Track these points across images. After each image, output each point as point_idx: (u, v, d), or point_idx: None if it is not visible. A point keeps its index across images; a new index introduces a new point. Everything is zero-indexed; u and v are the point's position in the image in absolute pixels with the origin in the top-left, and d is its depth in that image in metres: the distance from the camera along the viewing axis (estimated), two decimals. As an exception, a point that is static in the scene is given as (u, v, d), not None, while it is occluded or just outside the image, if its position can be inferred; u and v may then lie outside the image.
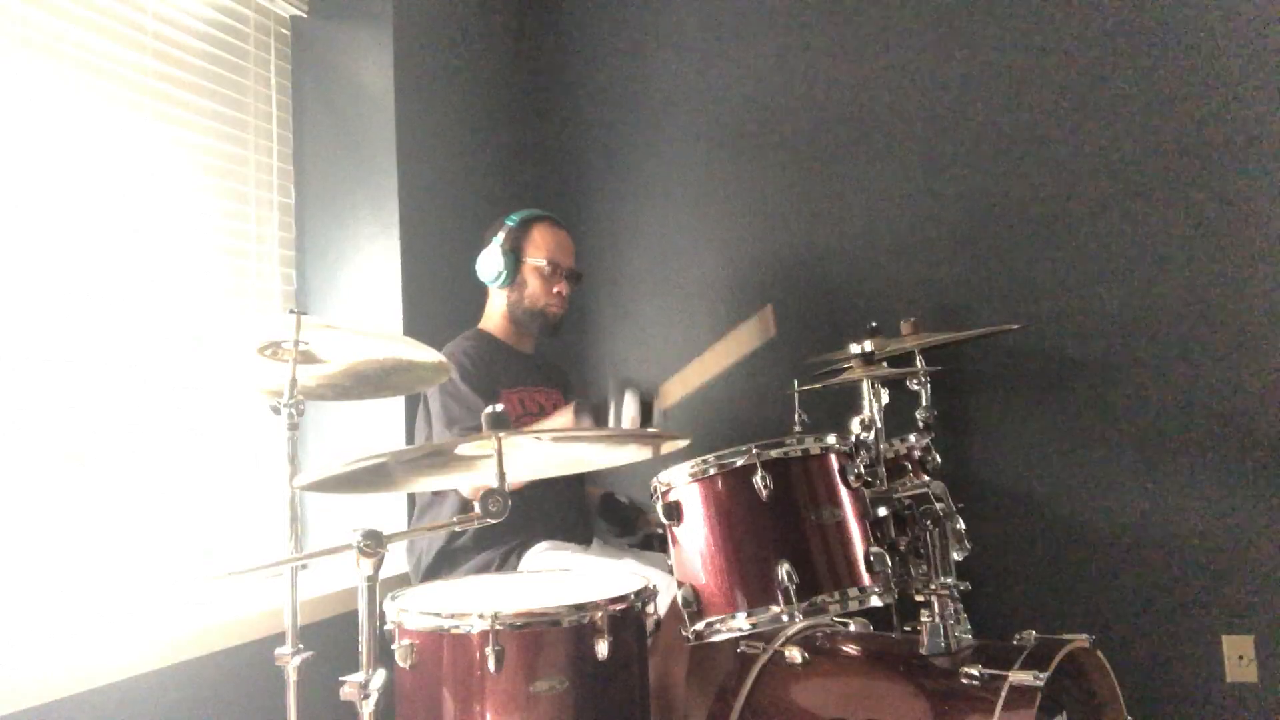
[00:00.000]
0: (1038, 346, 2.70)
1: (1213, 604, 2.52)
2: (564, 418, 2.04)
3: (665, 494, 1.76)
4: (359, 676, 1.27)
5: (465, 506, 2.19)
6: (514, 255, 2.33)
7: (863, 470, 1.77)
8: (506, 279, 2.34)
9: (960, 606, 1.76)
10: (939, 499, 1.77)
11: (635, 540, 2.41)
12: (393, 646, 1.48)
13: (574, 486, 2.40)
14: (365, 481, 1.47)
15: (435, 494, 2.23)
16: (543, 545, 2.17)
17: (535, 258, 2.34)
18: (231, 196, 2.38)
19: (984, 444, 2.76)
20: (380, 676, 1.28)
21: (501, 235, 2.35)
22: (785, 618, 1.63)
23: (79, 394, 1.91)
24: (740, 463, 1.69)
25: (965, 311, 2.77)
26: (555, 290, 2.35)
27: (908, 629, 1.90)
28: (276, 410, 1.57)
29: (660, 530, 1.83)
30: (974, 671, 1.59)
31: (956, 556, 1.78)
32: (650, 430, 2.34)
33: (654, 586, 1.63)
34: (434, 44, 2.80)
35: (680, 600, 1.72)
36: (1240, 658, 2.48)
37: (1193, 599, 2.54)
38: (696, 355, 3.03)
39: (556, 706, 1.44)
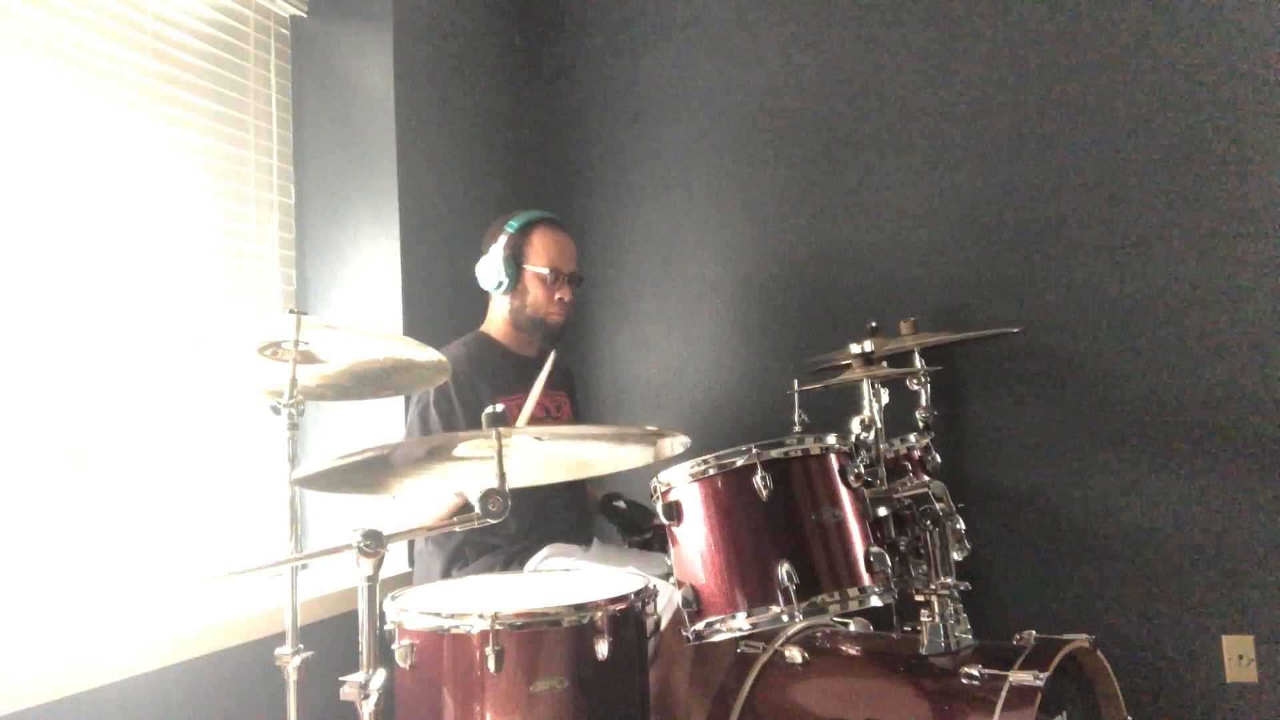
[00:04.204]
0: (1038, 347, 2.70)
1: (1213, 604, 2.52)
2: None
3: (665, 494, 1.76)
4: (359, 676, 1.27)
5: (459, 555, 2.20)
6: (515, 262, 2.31)
7: (863, 470, 1.77)
8: (508, 286, 2.31)
9: (960, 606, 1.76)
10: (939, 499, 1.78)
11: (640, 540, 2.40)
12: (393, 646, 1.48)
13: (574, 486, 2.40)
14: (363, 480, 1.47)
15: (430, 541, 2.24)
16: (545, 551, 2.17)
17: (536, 265, 2.31)
18: (231, 196, 2.38)
19: (984, 444, 2.76)
20: (380, 676, 1.28)
21: (502, 241, 2.31)
22: (785, 618, 1.63)
23: (79, 394, 1.90)
24: (740, 463, 1.69)
25: (965, 311, 2.76)
26: (557, 297, 2.32)
27: (908, 629, 1.90)
28: (276, 410, 1.57)
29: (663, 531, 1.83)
30: (974, 671, 1.60)
31: (956, 556, 1.78)
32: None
33: (654, 586, 1.63)
34: (434, 44, 2.80)
35: (680, 600, 1.72)
36: (1240, 658, 2.48)
37: (1193, 599, 2.54)
38: (697, 355, 3.06)
39: (556, 706, 1.44)
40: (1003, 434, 2.74)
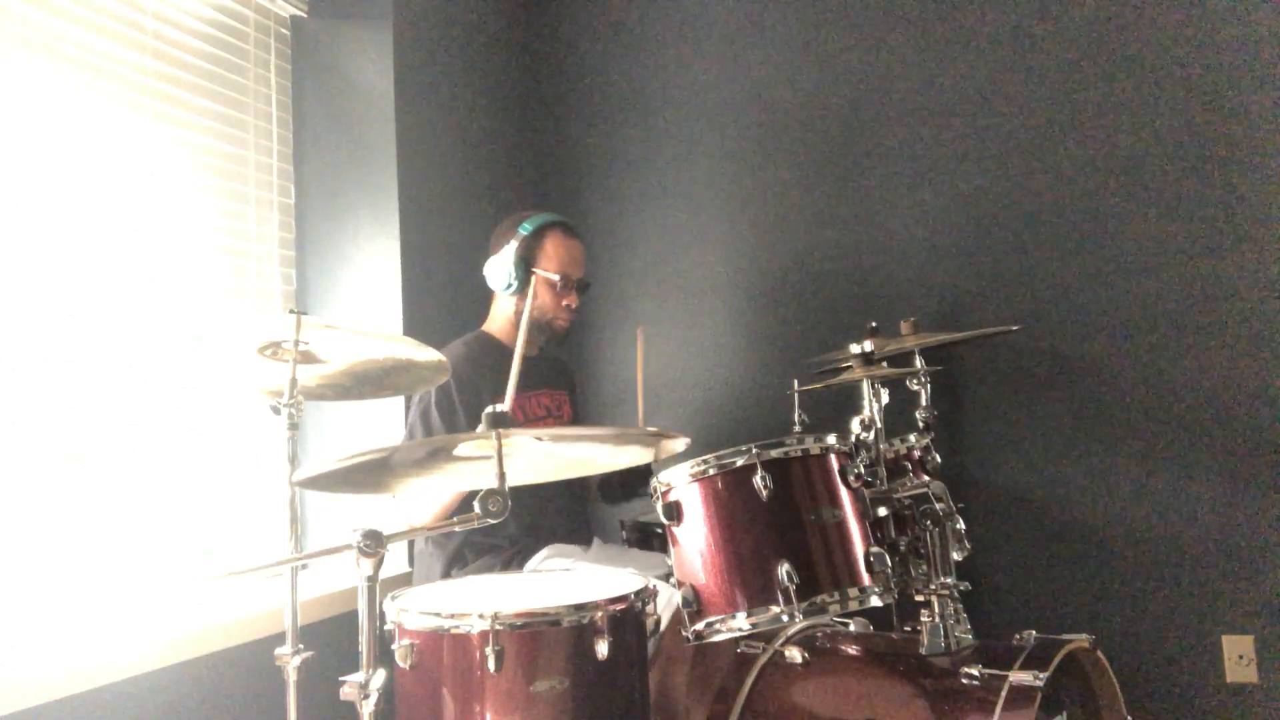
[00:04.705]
0: (1037, 346, 2.70)
1: (1213, 604, 2.52)
2: None
3: (665, 494, 1.76)
4: (359, 676, 1.27)
5: (459, 555, 2.20)
6: (525, 265, 2.30)
7: (863, 470, 1.77)
8: (517, 288, 2.31)
9: (960, 606, 1.76)
10: (939, 499, 1.78)
11: (639, 539, 2.39)
12: (393, 646, 1.48)
13: (574, 488, 2.39)
14: (364, 480, 1.47)
15: (430, 542, 2.24)
16: (545, 552, 2.17)
17: (547, 270, 2.30)
18: (231, 196, 2.38)
19: (984, 444, 2.76)
20: (380, 676, 1.28)
21: (515, 244, 2.30)
22: (785, 618, 1.63)
23: (79, 394, 1.91)
24: (740, 463, 1.69)
25: (965, 311, 2.77)
26: (565, 303, 2.33)
27: (908, 629, 1.90)
28: (276, 410, 1.57)
29: (661, 528, 1.83)
30: (974, 671, 1.59)
31: (956, 556, 1.78)
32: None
33: (654, 586, 1.63)
34: (434, 44, 2.80)
35: (680, 600, 1.72)
36: (1240, 658, 2.48)
37: (1193, 599, 2.54)
38: (697, 355, 3.06)
39: (556, 706, 1.44)
40: (1003, 434, 2.74)
